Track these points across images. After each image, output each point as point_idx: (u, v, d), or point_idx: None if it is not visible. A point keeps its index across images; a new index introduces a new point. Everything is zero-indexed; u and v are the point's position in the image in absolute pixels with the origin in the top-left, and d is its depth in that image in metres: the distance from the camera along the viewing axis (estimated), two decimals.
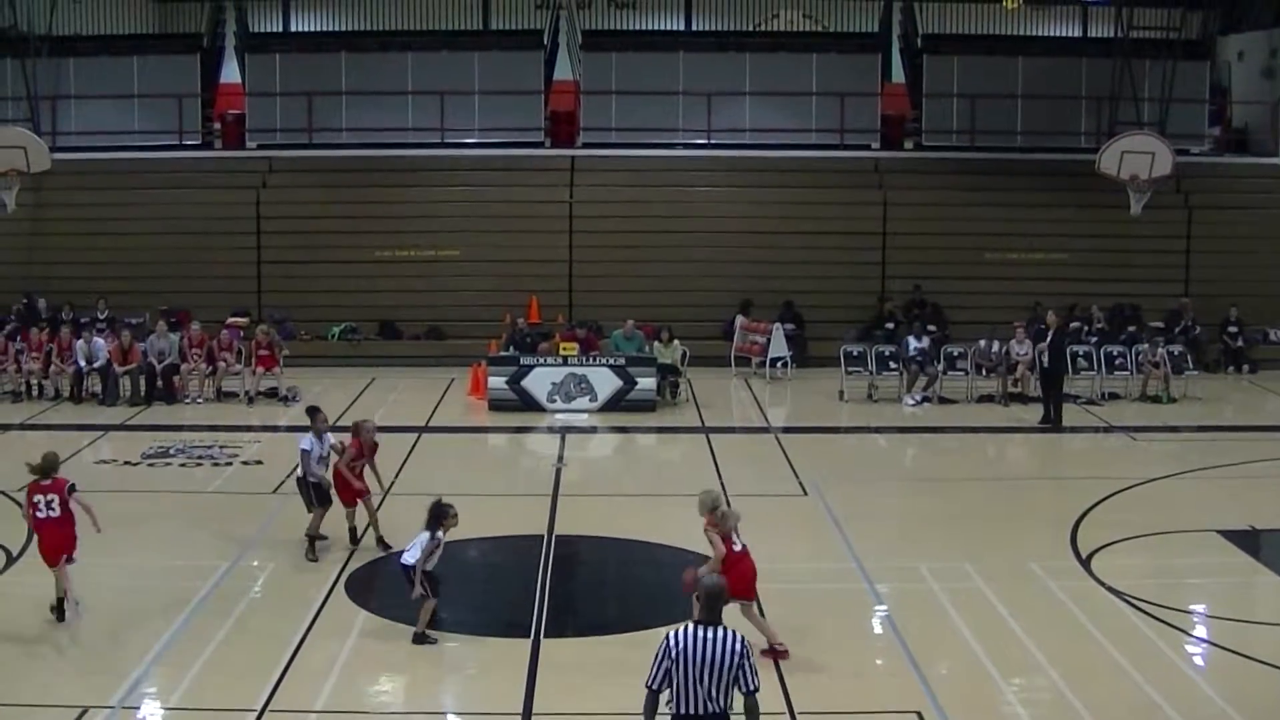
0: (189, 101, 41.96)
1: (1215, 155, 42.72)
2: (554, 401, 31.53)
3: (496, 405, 31.54)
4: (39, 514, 17.52)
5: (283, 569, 19.65)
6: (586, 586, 20.20)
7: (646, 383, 31.70)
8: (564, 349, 32.12)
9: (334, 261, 38.80)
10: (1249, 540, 21.24)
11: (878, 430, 30.63)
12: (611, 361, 31.84)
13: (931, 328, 35.40)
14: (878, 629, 17.72)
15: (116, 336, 32.85)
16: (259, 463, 26.38)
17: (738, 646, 11.10)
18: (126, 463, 26.40)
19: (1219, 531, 21.51)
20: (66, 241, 39.29)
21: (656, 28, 46.73)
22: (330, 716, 14.81)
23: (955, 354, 33.83)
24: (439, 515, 16.93)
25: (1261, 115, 42.93)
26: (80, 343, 32.46)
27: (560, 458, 27.40)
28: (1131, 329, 36.28)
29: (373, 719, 15.06)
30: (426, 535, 16.80)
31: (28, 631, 17.07)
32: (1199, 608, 18.61)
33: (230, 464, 26.40)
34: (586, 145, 41.95)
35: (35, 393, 32.69)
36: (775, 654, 15.94)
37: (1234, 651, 16.48)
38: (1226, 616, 18.04)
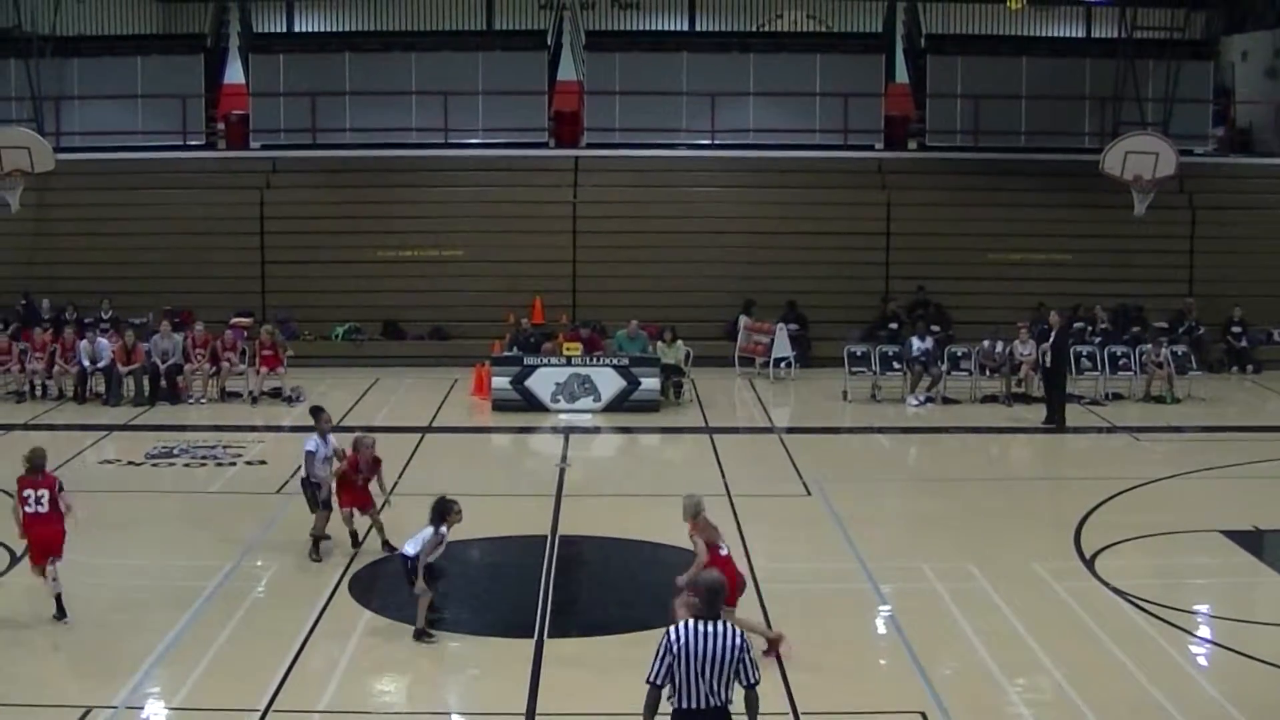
0: (193, 102, 42.00)
1: (1219, 156, 42.67)
2: (557, 402, 31.54)
3: (500, 405, 31.55)
4: (28, 509, 17.55)
5: (286, 569, 19.66)
6: (590, 587, 20.20)
7: (650, 383, 31.69)
8: (567, 349, 32.12)
9: (338, 262, 38.81)
10: (1252, 540, 21.22)
11: (881, 430, 30.66)
12: (615, 362, 31.85)
13: (935, 328, 35.38)
14: (881, 629, 17.72)
15: (120, 336, 32.88)
16: (263, 463, 26.39)
17: (738, 640, 11.17)
18: (130, 463, 26.42)
19: (1222, 532, 21.50)
20: (70, 241, 39.33)
21: (660, 28, 46.67)
22: (334, 717, 14.82)
23: (959, 354, 33.79)
24: (443, 511, 16.96)
25: (1265, 115, 42.95)
26: (84, 343, 32.46)
27: (564, 458, 27.39)
28: (1135, 329, 36.26)
29: (376, 719, 15.06)
30: (430, 530, 16.83)
31: (31, 632, 17.08)
32: (1202, 608, 18.61)
33: (234, 464, 26.42)
34: (590, 145, 41.95)
35: (39, 393, 32.71)
36: (775, 649, 15.95)
37: (1237, 652, 16.47)
38: (1230, 617, 18.04)
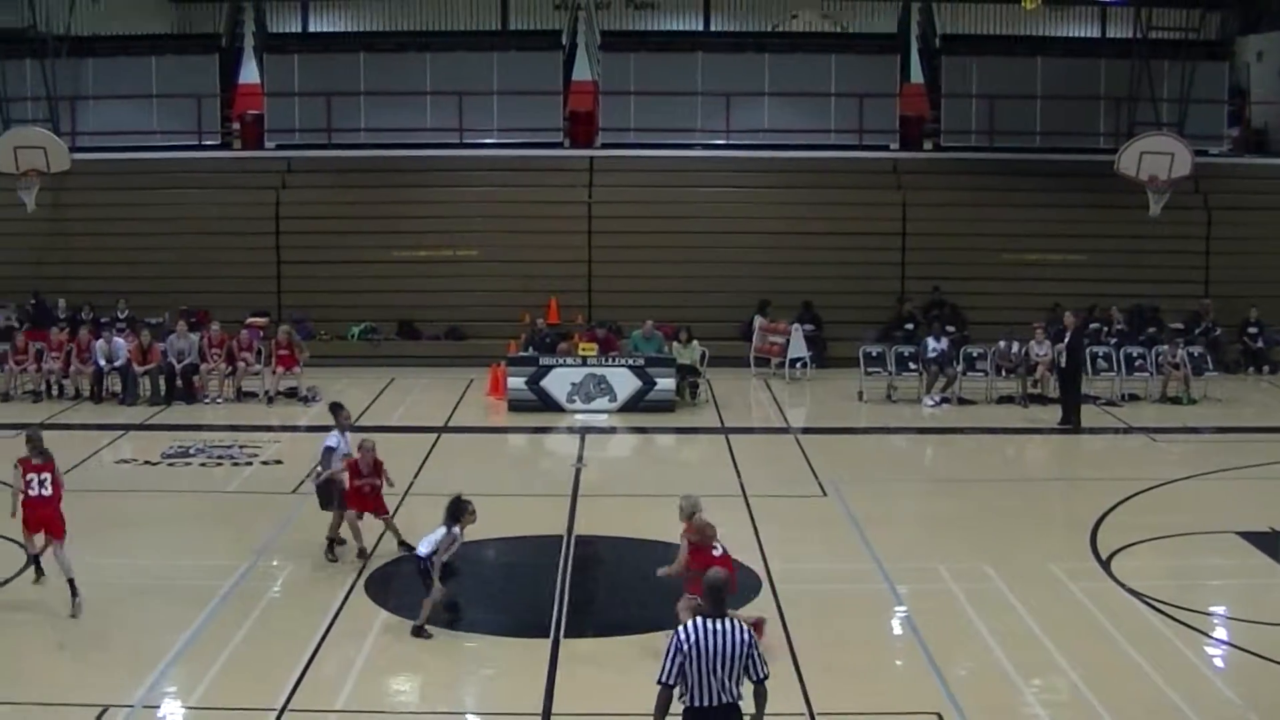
0: (208, 102, 42.08)
1: (1234, 156, 42.60)
2: (573, 402, 31.56)
3: (516, 406, 31.57)
4: (31, 492, 18.04)
5: (302, 569, 19.68)
6: (605, 586, 20.20)
7: (665, 383, 31.70)
8: (583, 349, 32.14)
9: (353, 262, 38.85)
10: (1269, 542, 21.15)
11: (897, 431, 30.66)
12: (631, 362, 31.85)
13: (950, 328, 35.36)
14: (897, 630, 17.71)
15: (136, 336, 32.95)
16: (279, 463, 26.42)
17: (746, 636, 11.29)
18: (146, 462, 26.47)
19: (1238, 533, 21.47)
20: (86, 241, 39.42)
21: (675, 28, 46.66)
22: (350, 716, 14.84)
23: (974, 355, 33.76)
24: (458, 511, 17.00)
25: None
26: (100, 342, 32.53)
27: (579, 458, 27.41)
28: (1151, 330, 36.22)
29: (392, 719, 15.08)
30: (444, 530, 16.85)
31: (48, 630, 17.14)
32: (1218, 609, 18.57)
33: (250, 464, 26.45)
34: (605, 146, 41.97)
35: (55, 392, 32.79)
36: (759, 632, 16.00)
37: (1253, 653, 16.45)
38: (1246, 618, 17.97)
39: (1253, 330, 37.10)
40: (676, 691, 11.23)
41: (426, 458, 26.70)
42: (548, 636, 16.97)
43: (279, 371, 32.72)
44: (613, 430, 30.51)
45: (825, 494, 24.24)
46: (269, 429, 29.82)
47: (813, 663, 15.96)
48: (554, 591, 18.64)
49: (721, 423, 30.84)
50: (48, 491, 18.08)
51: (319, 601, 18.15)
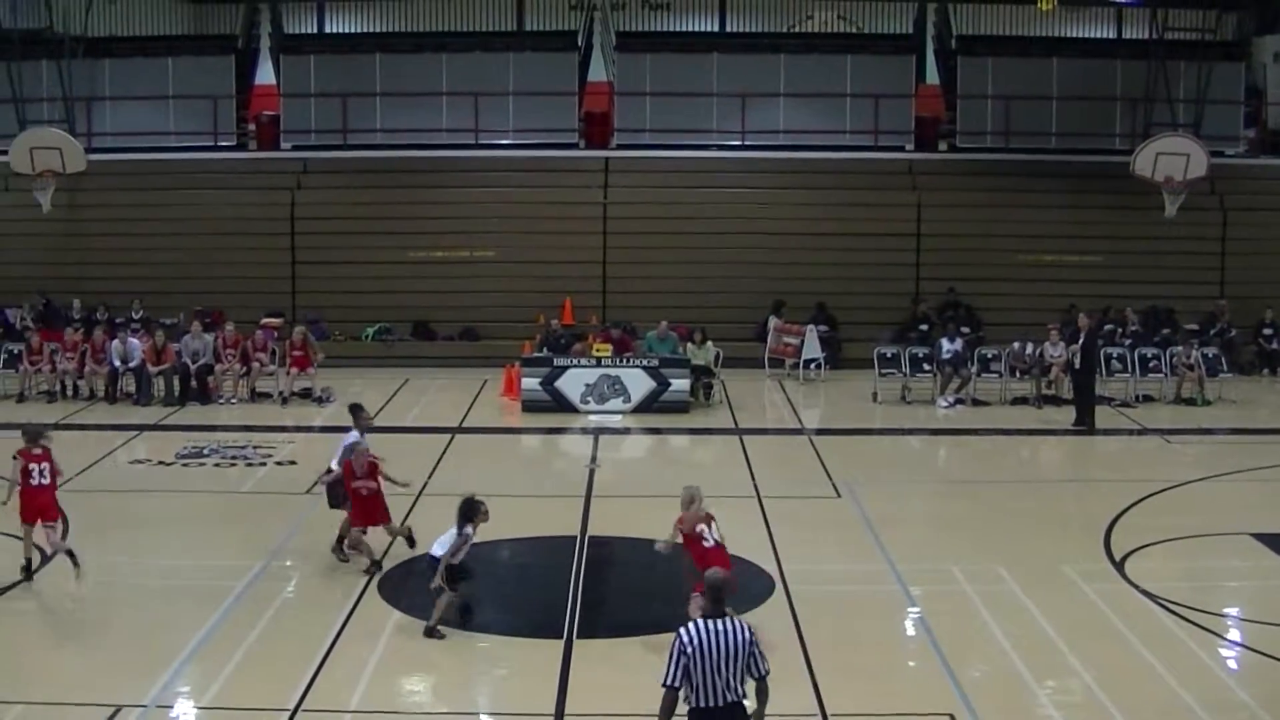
0: (224, 102, 42.15)
1: (1250, 157, 42.49)
2: (587, 403, 31.57)
3: (530, 406, 31.59)
4: (32, 481, 18.62)
5: (316, 569, 19.68)
6: (619, 587, 20.18)
7: (680, 384, 31.71)
8: (598, 350, 32.16)
9: (368, 262, 38.92)
10: None
11: (911, 432, 30.65)
12: (645, 363, 31.85)
13: (965, 329, 35.36)
14: (910, 631, 17.69)
15: (151, 337, 33.01)
16: (293, 463, 26.43)
17: (747, 634, 11.34)
18: (161, 463, 26.51)
19: (1253, 535, 21.41)
20: (101, 242, 39.54)
21: (691, 29, 46.62)
22: (363, 716, 14.83)
23: (989, 356, 33.75)
24: (470, 512, 16.99)
25: None
26: (115, 343, 32.61)
27: (593, 459, 27.41)
28: (1166, 331, 36.15)
29: (405, 719, 15.08)
30: (455, 530, 16.86)
31: (61, 629, 17.20)
32: (1233, 611, 18.54)
33: (264, 464, 26.49)
34: (621, 146, 42.00)
35: (70, 393, 32.87)
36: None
37: (1267, 655, 16.41)
38: (1260, 620, 17.92)
39: (1268, 331, 37.03)
40: (681, 693, 11.26)
41: (440, 458, 26.72)
42: (561, 637, 16.97)
43: (293, 372, 32.76)
44: (627, 431, 30.53)
45: (839, 495, 24.22)
46: (283, 429, 29.86)
47: (826, 663, 15.94)
48: (567, 592, 18.63)
49: (735, 424, 30.84)
50: (46, 480, 18.71)
51: (332, 601, 18.17)
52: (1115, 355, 33.85)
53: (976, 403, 32.89)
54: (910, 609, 18.28)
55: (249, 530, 21.77)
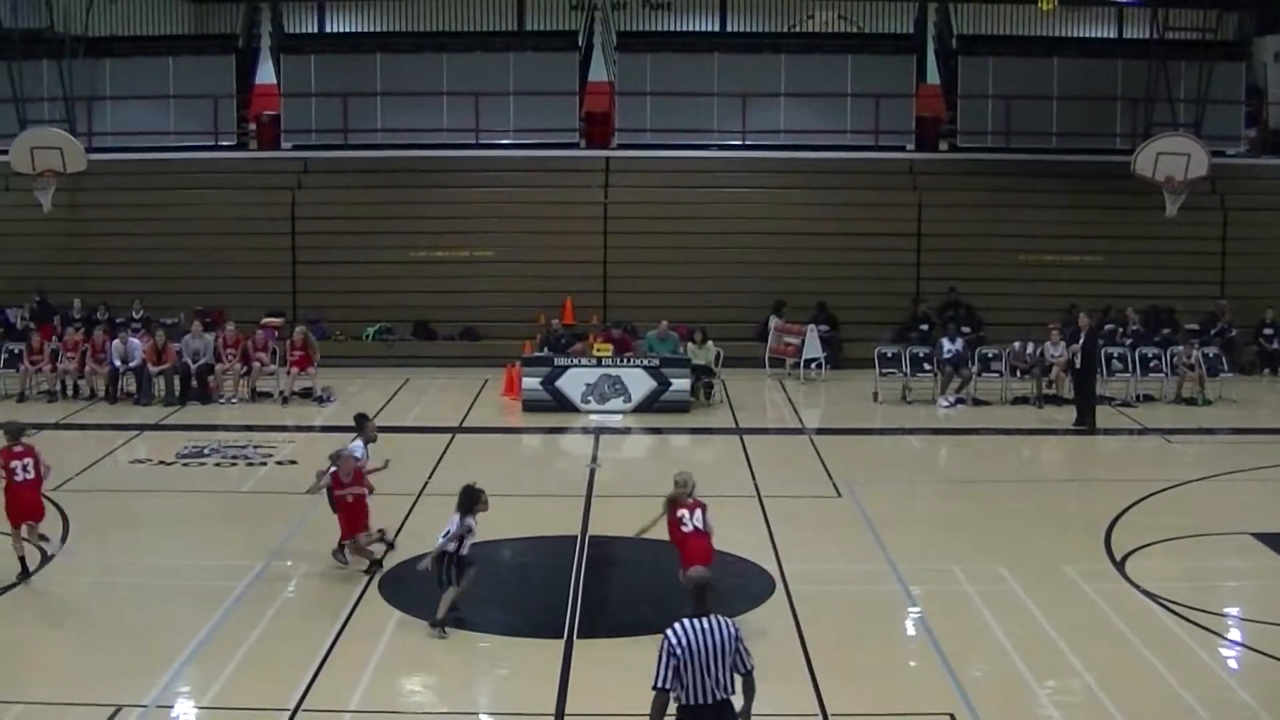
0: (224, 102, 42.16)
1: (1251, 157, 42.49)
2: (588, 402, 31.57)
3: (530, 406, 31.59)
4: (16, 478, 18.62)
5: (316, 568, 19.65)
6: (620, 587, 20.16)
7: (680, 384, 31.71)
8: (598, 350, 32.16)
9: (369, 262, 38.92)
10: None
11: (912, 432, 30.63)
12: (646, 362, 31.85)
13: (966, 329, 35.34)
14: (911, 630, 17.68)
15: (151, 336, 33.01)
16: (293, 463, 26.39)
17: (732, 630, 11.40)
18: (161, 462, 26.49)
19: (1253, 534, 21.40)
20: (102, 242, 39.54)
21: (691, 29, 46.64)
22: (364, 716, 14.82)
23: (990, 355, 33.75)
24: (470, 500, 16.98)
25: None
26: (116, 343, 32.61)
27: (594, 459, 27.41)
28: (1166, 331, 36.15)
29: (406, 718, 15.08)
30: (457, 519, 16.85)
31: (61, 630, 17.18)
32: (1233, 611, 18.53)
33: (264, 464, 26.48)
34: (621, 146, 42.00)
35: (71, 392, 32.87)
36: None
37: (1268, 655, 16.40)
38: (1261, 620, 17.92)
39: (1268, 331, 37.03)
40: (672, 694, 11.27)
41: (441, 458, 26.72)
42: (561, 637, 16.96)
43: (294, 372, 32.77)
44: (627, 431, 30.53)
45: (840, 495, 24.21)
46: (284, 429, 29.85)
47: (826, 663, 15.93)
48: (568, 592, 18.63)
49: (736, 423, 30.84)
50: (30, 475, 18.68)
51: (333, 601, 18.16)
52: (1116, 355, 33.85)
53: (977, 402, 32.89)
54: (911, 609, 18.27)
55: (250, 530, 21.77)
